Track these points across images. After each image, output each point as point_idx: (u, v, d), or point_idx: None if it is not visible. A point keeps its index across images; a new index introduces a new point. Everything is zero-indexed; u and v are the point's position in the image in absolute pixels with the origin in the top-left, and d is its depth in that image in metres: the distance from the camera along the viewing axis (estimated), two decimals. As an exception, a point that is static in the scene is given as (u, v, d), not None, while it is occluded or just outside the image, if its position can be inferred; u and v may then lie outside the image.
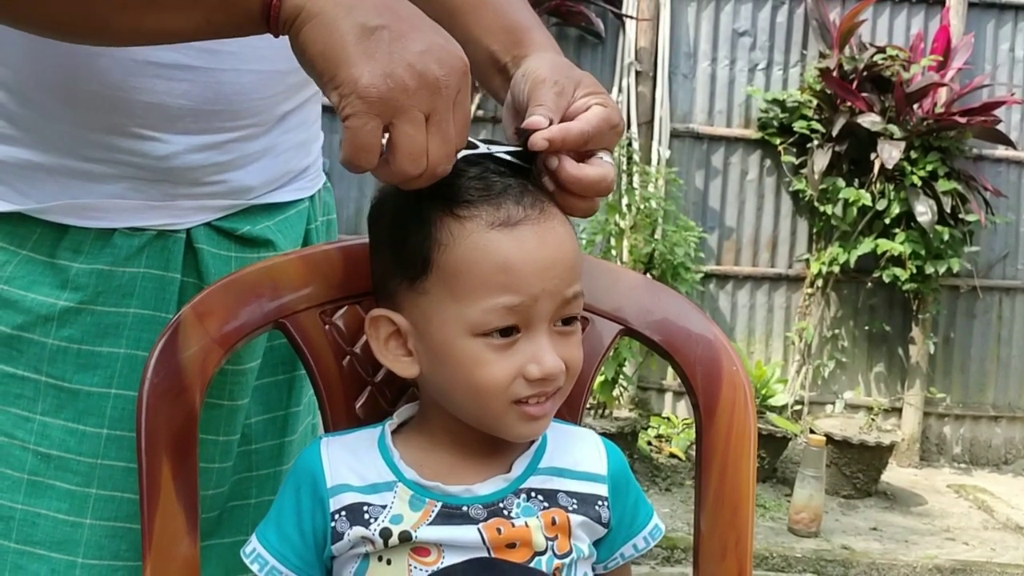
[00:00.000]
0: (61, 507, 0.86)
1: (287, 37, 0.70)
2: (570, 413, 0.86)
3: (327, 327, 0.84)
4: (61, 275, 0.85)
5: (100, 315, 0.87)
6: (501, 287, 0.72)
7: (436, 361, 0.75)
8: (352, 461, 0.77)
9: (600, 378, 3.87)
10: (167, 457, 0.76)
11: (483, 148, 0.75)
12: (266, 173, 0.93)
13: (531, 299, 0.72)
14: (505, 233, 0.72)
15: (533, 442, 0.79)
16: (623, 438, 3.94)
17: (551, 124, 0.75)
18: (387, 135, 0.67)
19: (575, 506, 0.77)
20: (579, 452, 0.80)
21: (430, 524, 0.74)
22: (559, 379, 0.74)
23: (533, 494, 0.77)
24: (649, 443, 4.32)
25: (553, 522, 0.76)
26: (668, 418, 4.46)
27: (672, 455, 4.26)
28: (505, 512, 0.75)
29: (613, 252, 4.16)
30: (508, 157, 0.75)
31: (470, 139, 0.74)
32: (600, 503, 0.79)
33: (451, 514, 0.74)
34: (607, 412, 4.00)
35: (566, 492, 0.78)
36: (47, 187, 0.85)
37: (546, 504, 0.76)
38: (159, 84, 0.82)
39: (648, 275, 4.08)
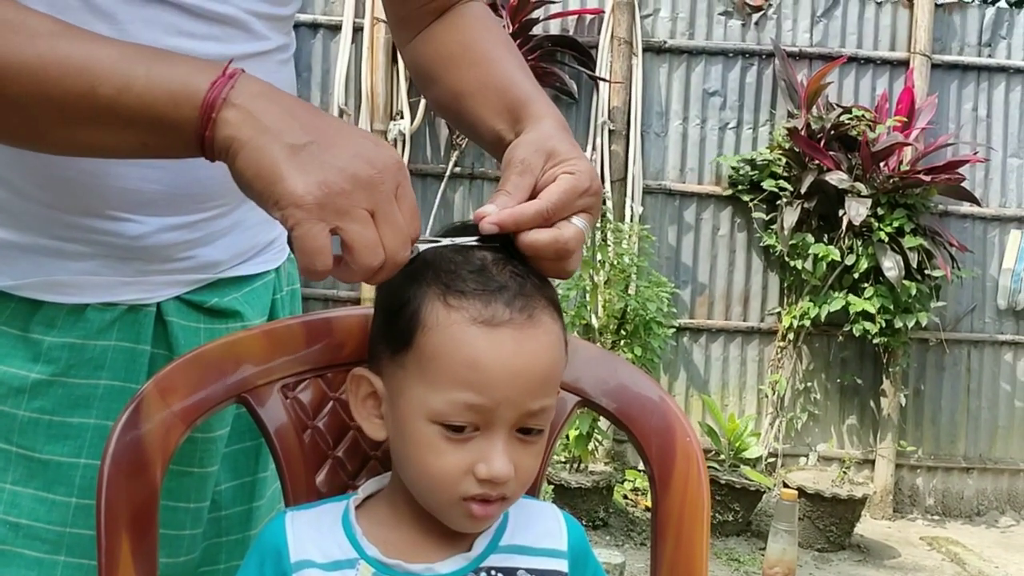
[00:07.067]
0: (30, 575, 0.86)
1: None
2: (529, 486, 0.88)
3: (288, 401, 0.85)
4: (34, 348, 0.87)
5: (71, 387, 0.88)
6: (466, 384, 0.73)
7: (399, 434, 0.77)
8: (316, 536, 0.78)
9: (575, 432, 3.87)
10: (126, 533, 0.76)
11: (446, 241, 0.77)
12: (234, 247, 0.96)
13: (493, 402, 0.73)
14: (484, 332, 0.73)
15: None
16: (599, 492, 3.93)
17: (506, 208, 0.77)
18: (339, 238, 0.70)
19: None
20: (540, 528, 0.82)
21: None
22: (507, 486, 0.75)
23: (493, 572, 0.78)
24: (625, 497, 4.31)
25: None
26: (644, 471, 4.45)
27: (648, 509, 4.25)
28: None
29: (588, 307, 4.19)
30: (472, 243, 0.77)
31: (432, 237, 0.77)
32: None
33: None
34: (583, 466, 3.99)
35: (526, 569, 0.79)
36: (21, 264, 0.86)
37: None
38: (133, 171, 0.85)
39: (622, 330, 4.11)
